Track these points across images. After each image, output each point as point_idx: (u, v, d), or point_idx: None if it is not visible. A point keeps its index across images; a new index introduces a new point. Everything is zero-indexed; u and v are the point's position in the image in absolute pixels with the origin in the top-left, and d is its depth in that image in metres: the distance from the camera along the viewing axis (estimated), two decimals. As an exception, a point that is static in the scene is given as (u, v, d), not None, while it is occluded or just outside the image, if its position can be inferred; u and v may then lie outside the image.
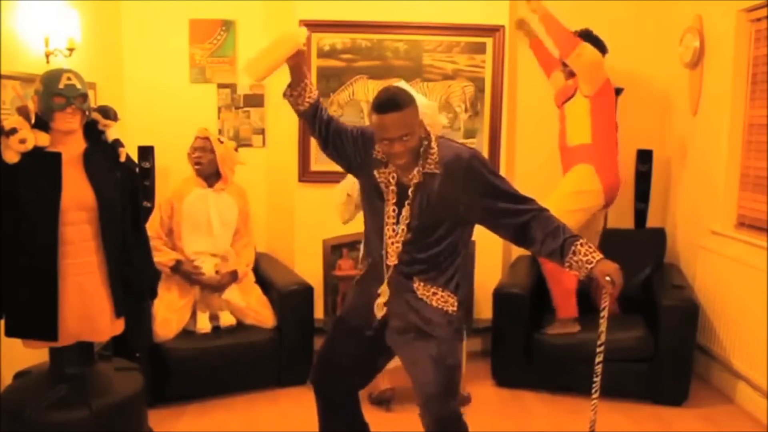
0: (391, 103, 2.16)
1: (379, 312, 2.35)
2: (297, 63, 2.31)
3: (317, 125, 2.38)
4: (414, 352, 2.31)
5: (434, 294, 2.31)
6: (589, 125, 3.75)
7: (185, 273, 3.67)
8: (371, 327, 2.38)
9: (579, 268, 2.18)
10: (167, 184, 4.24)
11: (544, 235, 2.21)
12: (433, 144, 2.26)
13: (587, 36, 3.80)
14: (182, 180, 3.90)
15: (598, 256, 2.17)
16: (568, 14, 4.09)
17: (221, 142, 3.84)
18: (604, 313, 2.26)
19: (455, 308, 2.33)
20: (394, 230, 2.29)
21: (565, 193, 3.73)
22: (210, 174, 3.80)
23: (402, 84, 2.59)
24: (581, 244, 2.18)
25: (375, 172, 2.32)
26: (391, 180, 2.30)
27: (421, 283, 2.32)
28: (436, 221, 2.28)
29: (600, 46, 3.79)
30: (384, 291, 2.34)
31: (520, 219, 2.23)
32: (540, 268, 3.89)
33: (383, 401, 3.49)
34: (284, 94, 2.37)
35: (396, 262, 2.30)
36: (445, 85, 4.27)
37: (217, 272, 3.73)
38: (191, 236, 3.75)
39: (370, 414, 2.74)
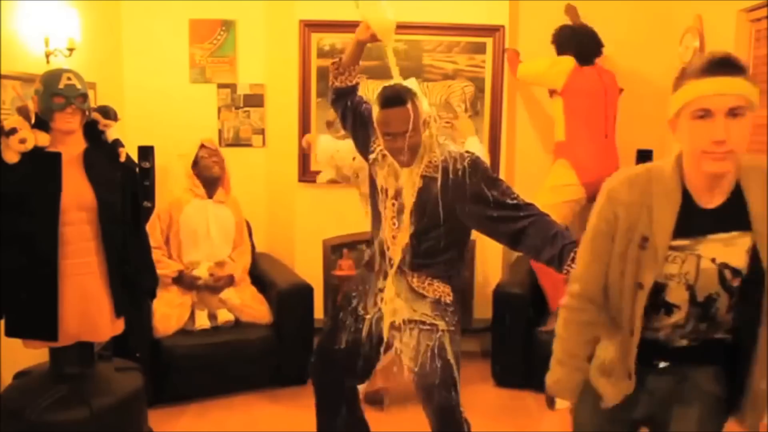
0: (394, 97, 2.19)
1: (383, 306, 2.37)
2: (365, 45, 2.44)
3: (343, 107, 2.48)
4: (414, 345, 2.32)
5: (429, 285, 2.34)
6: (563, 122, 3.90)
7: (186, 283, 3.71)
8: (368, 312, 2.41)
9: None
10: (167, 184, 4.25)
11: (542, 242, 2.19)
12: (435, 147, 2.27)
13: (559, 36, 4.00)
14: (181, 189, 3.91)
15: None
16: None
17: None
18: None
19: (450, 297, 2.35)
20: (394, 224, 2.31)
21: (544, 189, 3.84)
22: (212, 182, 3.83)
23: (412, 82, 2.62)
24: None
25: (374, 167, 2.34)
26: (390, 177, 2.32)
27: (416, 275, 2.33)
28: (435, 224, 2.29)
29: (572, 44, 3.92)
30: (388, 286, 2.35)
31: (517, 226, 2.23)
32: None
33: (376, 401, 3.49)
34: (333, 63, 2.48)
35: (397, 256, 2.33)
36: (445, 85, 4.27)
37: (211, 275, 3.75)
38: (190, 246, 3.79)
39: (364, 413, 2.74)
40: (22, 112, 2.53)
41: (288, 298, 3.78)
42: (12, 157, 2.46)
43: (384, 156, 2.32)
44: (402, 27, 4.22)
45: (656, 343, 1.67)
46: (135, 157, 3.78)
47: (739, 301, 1.58)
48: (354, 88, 2.47)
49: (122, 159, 2.71)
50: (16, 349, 2.64)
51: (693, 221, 1.55)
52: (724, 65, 1.47)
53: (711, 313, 1.60)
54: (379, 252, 2.39)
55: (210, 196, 3.85)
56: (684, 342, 1.66)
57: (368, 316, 2.41)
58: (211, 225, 3.81)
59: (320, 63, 4.23)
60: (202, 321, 3.68)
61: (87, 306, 2.59)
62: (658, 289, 1.59)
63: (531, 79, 4.15)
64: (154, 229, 3.70)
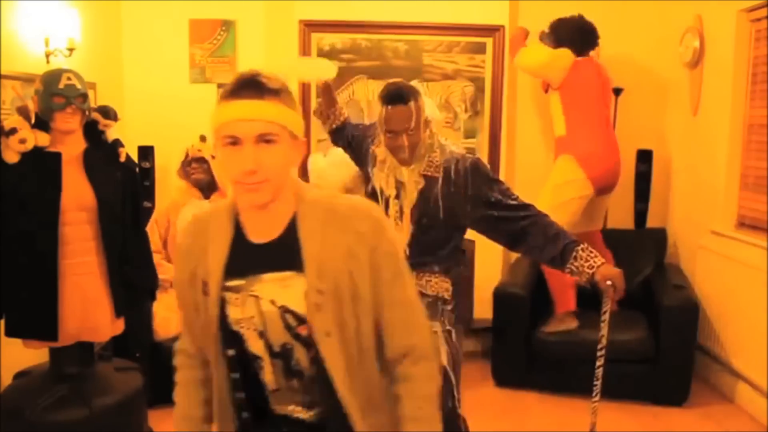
0: (398, 95, 2.23)
1: None
2: (330, 87, 2.63)
3: (343, 144, 2.66)
4: None
5: (428, 281, 2.34)
6: (563, 117, 3.84)
7: None
8: None
9: (580, 273, 2.16)
10: (167, 184, 4.24)
11: (544, 242, 2.20)
12: (436, 147, 2.29)
13: (557, 28, 3.92)
14: (177, 190, 3.89)
15: (600, 260, 2.16)
16: (567, 13, 4.10)
17: (213, 157, 3.85)
18: (606, 317, 2.25)
19: (449, 293, 2.35)
20: (396, 224, 2.32)
21: (550, 187, 3.77)
22: (206, 185, 3.82)
23: (416, 84, 2.65)
24: (582, 249, 2.16)
25: (373, 171, 2.36)
26: (391, 178, 2.32)
27: (416, 273, 2.33)
28: (435, 223, 2.29)
29: (573, 36, 3.85)
30: None
31: (518, 226, 2.24)
32: (539, 266, 3.90)
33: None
34: (314, 113, 2.69)
35: None
36: (445, 85, 4.27)
37: None
38: None
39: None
40: (22, 112, 2.53)
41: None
42: (12, 157, 2.47)
43: (383, 160, 2.34)
44: (402, 27, 4.28)
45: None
46: (135, 157, 3.78)
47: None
48: (345, 124, 2.64)
49: (122, 159, 2.71)
50: (16, 349, 2.64)
51: (245, 257, 1.37)
52: (251, 86, 1.28)
53: (292, 366, 1.39)
54: None
55: (207, 197, 3.84)
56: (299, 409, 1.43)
57: None
58: None
59: (320, 63, 4.23)
60: (202, 323, 3.68)
61: (87, 306, 2.59)
62: (242, 339, 1.40)
63: (529, 70, 4.03)
64: (152, 233, 3.68)
